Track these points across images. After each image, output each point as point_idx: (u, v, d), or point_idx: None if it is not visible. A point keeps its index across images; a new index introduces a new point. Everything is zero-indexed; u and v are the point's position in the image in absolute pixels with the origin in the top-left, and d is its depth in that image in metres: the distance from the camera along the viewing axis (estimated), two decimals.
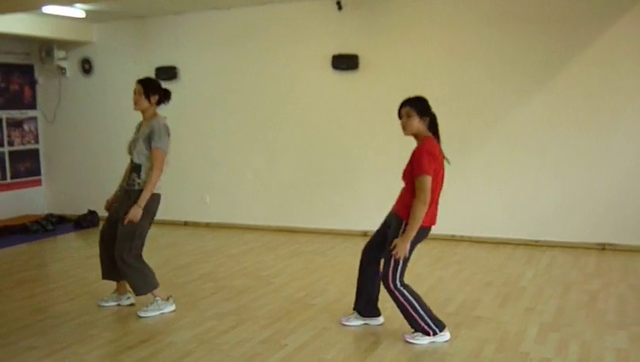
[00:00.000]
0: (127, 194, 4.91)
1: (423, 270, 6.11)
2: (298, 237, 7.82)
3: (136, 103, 4.88)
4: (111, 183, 9.18)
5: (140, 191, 4.77)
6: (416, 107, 4.33)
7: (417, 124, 4.34)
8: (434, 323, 4.21)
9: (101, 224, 8.85)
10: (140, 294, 4.93)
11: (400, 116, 4.36)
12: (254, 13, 8.09)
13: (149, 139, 4.78)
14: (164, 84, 5.24)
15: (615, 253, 6.66)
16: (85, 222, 8.82)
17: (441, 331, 4.22)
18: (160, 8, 8.23)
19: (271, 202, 8.35)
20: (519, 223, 6.87)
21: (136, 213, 4.71)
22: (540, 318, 4.68)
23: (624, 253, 6.63)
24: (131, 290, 5.00)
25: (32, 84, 9.54)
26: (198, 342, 4.33)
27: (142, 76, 5.13)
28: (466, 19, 7.15)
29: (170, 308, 4.99)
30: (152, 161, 4.77)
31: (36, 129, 9.65)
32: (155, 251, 7.08)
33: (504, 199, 7.02)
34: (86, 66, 9.21)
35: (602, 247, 6.81)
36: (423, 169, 4.17)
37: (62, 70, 9.32)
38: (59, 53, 9.08)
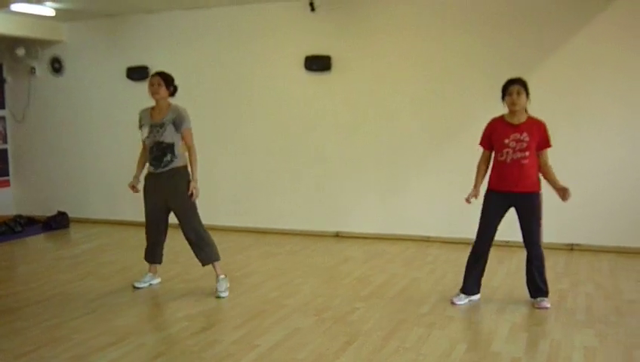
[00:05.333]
0: (167, 174, 5.34)
1: (397, 270, 6.15)
2: (269, 239, 7.80)
3: (156, 93, 5.35)
4: (81, 184, 9.16)
5: (179, 168, 5.34)
6: (524, 86, 4.86)
7: (525, 101, 4.85)
8: None
9: (71, 225, 8.80)
10: (207, 264, 5.46)
11: (510, 93, 4.82)
12: (227, 13, 8.05)
13: (176, 123, 5.30)
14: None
15: (583, 253, 6.77)
16: (55, 223, 8.70)
17: None
18: (131, 7, 8.15)
19: (241, 203, 8.32)
20: None
21: (197, 188, 5.31)
22: (511, 318, 4.73)
23: (591, 252, 6.74)
24: (201, 260, 5.46)
25: (1, 83, 9.39)
26: (169, 344, 4.30)
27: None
28: (436, 23, 7.20)
29: (228, 284, 5.49)
30: (185, 141, 5.34)
31: (4, 129, 9.49)
32: (125, 252, 7.04)
33: (477, 200, 7.07)
34: (56, 65, 9.09)
35: (570, 248, 6.92)
36: (550, 142, 4.87)
37: (31, 69, 9.19)
38: (27, 52, 8.95)
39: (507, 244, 6.65)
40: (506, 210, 4.99)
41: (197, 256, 5.48)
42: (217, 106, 8.30)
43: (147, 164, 5.49)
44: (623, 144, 6.69)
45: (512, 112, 4.88)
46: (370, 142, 7.64)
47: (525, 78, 6.84)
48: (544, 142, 4.83)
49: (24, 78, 9.28)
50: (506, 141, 4.83)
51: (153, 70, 8.38)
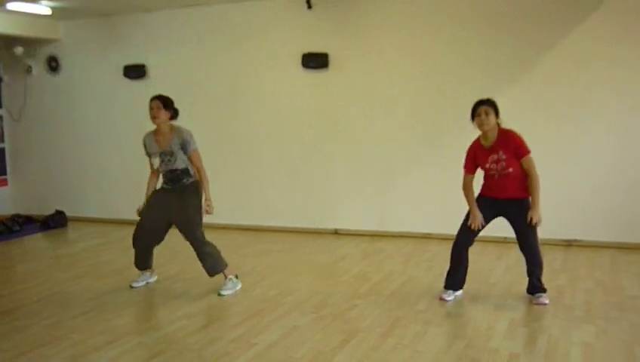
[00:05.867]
0: (180, 188, 5.39)
1: (395, 268, 6.15)
2: (267, 236, 7.80)
3: (156, 117, 5.32)
4: (78, 183, 9.15)
5: (194, 182, 5.41)
6: (493, 106, 4.90)
7: (494, 120, 4.88)
8: None
9: (69, 224, 8.79)
10: (215, 274, 5.43)
11: (479, 114, 4.88)
12: (223, 11, 8.04)
13: (184, 147, 5.32)
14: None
15: (581, 248, 6.77)
16: (52, 222, 8.68)
17: None
18: (127, 5, 8.13)
19: (238, 201, 8.31)
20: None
21: (211, 206, 5.35)
22: (509, 314, 4.73)
23: (590, 248, 6.74)
24: (207, 272, 5.43)
25: None
26: (168, 342, 4.30)
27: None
28: (433, 20, 7.19)
29: (239, 285, 5.52)
30: (193, 163, 5.37)
31: (1, 128, 9.48)
32: (123, 251, 7.01)
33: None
34: (53, 64, 9.08)
35: (568, 243, 6.92)
36: (528, 149, 4.87)
37: (28, 68, 9.17)
38: (24, 51, 8.93)
39: (505, 241, 6.65)
40: (492, 217, 5.04)
41: (203, 267, 5.46)
42: (214, 104, 8.29)
43: (161, 182, 5.52)
44: (621, 139, 6.68)
45: (483, 133, 4.94)
46: (368, 139, 7.63)
47: (522, 74, 6.93)
48: (519, 151, 4.84)
49: (21, 76, 9.26)
50: (487, 165, 4.94)
51: (150, 69, 8.46)
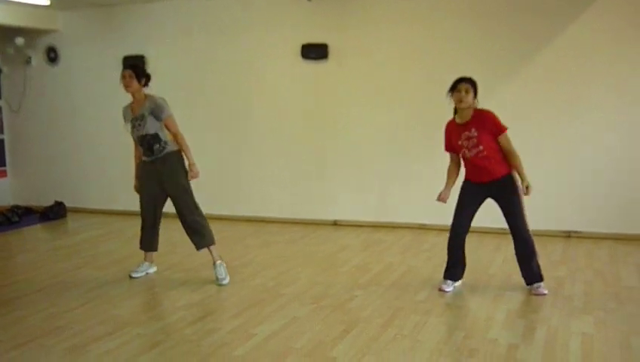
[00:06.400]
0: (161, 159, 5.35)
1: (394, 258, 6.16)
2: (267, 228, 7.80)
3: (128, 86, 5.30)
4: (78, 174, 9.14)
5: (173, 152, 5.35)
6: (474, 86, 4.89)
7: (472, 99, 4.87)
8: None
9: (69, 215, 8.80)
10: (201, 248, 5.47)
11: (459, 90, 4.84)
12: (223, 2, 8.02)
13: (155, 113, 5.27)
14: None
15: (580, 240, 6.77)
16: (52, 213, 8.69)
17: None
18: None
19: (238, 192, 8.31)
20: (487, 211, 6.94)
21: (196, 169, 5.34)
22: (508, 305, 4.74)
23: (589, 240, 6.74)
24: (195, 243, 5.46)
25: None
26: (166, 333, 4.30)
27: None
28: (433, 12, 7.18)
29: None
30: (169, 129, 5.32)
31: (1, 119, 9.46)
32: (123, 242, 7.03)
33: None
34: (52, 55, 9.06)
35: (568, 235, 6.92)
36: (505, 126, 4.86)
37: (27, 59, 9.15)
38: (23, 41, 8.91)
39: (504, 232, 6.64)
40: (481, 200, 5.05)
41: (191, 239, 5.48)
42: (214, 95, 8.27)
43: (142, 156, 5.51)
44: (620, 133, 6.68)
45: (459, 110, 4.93)
46: (368, 130, 7.63)
47: (522, 67, 6.93)
48: (496, 129, 4.83)
49: (20, 67, 9.24)
50: (460, 142, 4.94)
51: (150, 59, 8.43)
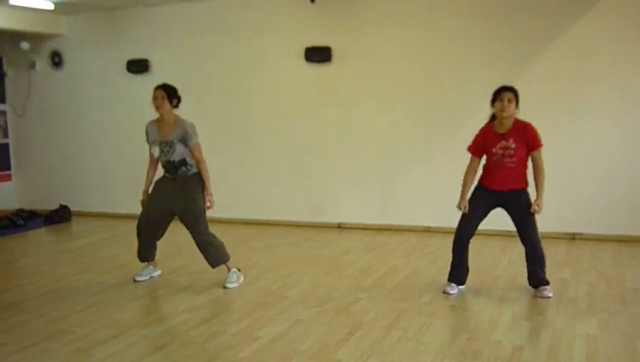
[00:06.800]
0: (182, 179, 5.38)
1: (398, 261, 6.16)
2: (271, 230, 7.81)
3: (160, 107, 5.31)
4: (82, 177, 9.16)
5: (196, 173, 5.39)
6: (516, 95, 4.84)
7: (514, 109, 4.83)
8: None
9: (73, 219, 8.81)
10: (218, 266, 5.45)
11: (502, 99, 4.80)
12: (227, 5, 8.04)
13: (184, 141, 5.28)
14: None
15: (584, 242, 6.76)
16: (57, 217, 8.71)
17: None
18: (131, 0, 8.13)
19: (242, 195, 8.32)
20: (492, 214, 6.95)
21: (212, 200, 5.36)
22: (513, 307, 4.73)
23: (593, 242, 6.73)
24: (210, 263, 5.45)
25: (1, 77, 9.38)
26: (171, 335, 4.31)
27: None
28: (435, 14, 7.19)
29: (242, 278, 5.54)
30: (193, 155, 5.33)
31: (5, 123, 9.49)
32: (127, 245, 7.03)
33: None
34: (56, 59, 9.08)
35: (572, 237, 6.91)
36: (541, 142, 4.87)
37: (31, 63, 9.18)
38: (28, 46, 8.94)
39: (510, 234, 6.64)
40: (491, 208, 5.05)
41: (206, 258, 5.47)
42: (218, 98, 8.29)
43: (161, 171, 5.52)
44: (623, 134, 6.67)
45: (500, 119, 4.89)
46: (372, 132, 7.63)
47: (523, 68, 6.92)
48: (533, 143, 4.84)
49: (24, 72, 9.27)
50: (494, 150, 4.92)
51: (153, 63, 8.45)
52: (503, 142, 4.86)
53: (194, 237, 5.39)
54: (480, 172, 5.11)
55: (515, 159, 4.85)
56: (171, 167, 5.38)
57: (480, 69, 7.00)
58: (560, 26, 6.73)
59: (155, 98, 5.31)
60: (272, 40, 7.91)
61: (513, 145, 4.83)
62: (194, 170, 5.38)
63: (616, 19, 6.54)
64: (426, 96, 7.31)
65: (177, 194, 5.36)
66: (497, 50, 6.95)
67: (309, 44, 7.68)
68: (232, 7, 8.03)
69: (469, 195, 5.05)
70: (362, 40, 7.51)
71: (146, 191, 5.54)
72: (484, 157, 5.04)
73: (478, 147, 5.03)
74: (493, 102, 4.88)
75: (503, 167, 4.90)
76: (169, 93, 5.32)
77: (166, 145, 5.31)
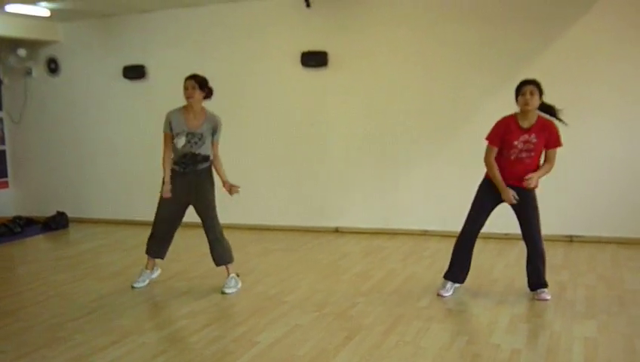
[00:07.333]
0: (193, 173, 5.35)
1: (396, 265, 6.16)
2: (268, 235, 7.81)
3: (190, 97, 5.24)
4: (79, 184, 9.15)
5: (208, 167, 5.43)
6: (538, 87, 4.88)
7: (537, 101, 4.86)
8: None
9: (71, 225, 8.80)
10: (222, 264, 5.47)
11: (524, 93, 4.83)
12: (222, 11, 8.04)
13: (213, 133, 5.34)
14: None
15: (582, 244, 6.77)
16: (54, 223, 8.69)
17: None
18: (126, 7, 8.14)
19: (239, 200, 8.24)
20: (490, 217, 6.97)
21: (232, 184, 5.46)
22: (511, 310, 4.73)
23: (592, 244, 6.74)
24: (215, 260, 5.47)
25: None
26: (170, 342, 4.31)
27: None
28: (432, 17, 7.20)
29: (240, 284, 5.50)
30: (215, 150, 5.41)
31: (2, 130, 9.48)
32: (125, 252, 7.03)
33: (474, 194, 7.07)
34: (52, 66, 9.08)
35: (570, 239, 6.92)
36: (561, 142, 4.94)
37: (28, 70, 9.17)
38: (25, 53, 8.94)
39: (507, 237, 6.66)
40: (497, 202, 5.04)
41: (212, 254, 5.49)
42: (214, 103, 8.20)
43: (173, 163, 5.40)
44: (622, 135, 6.69)
45: (524, 113, 4.88)
46: (368, 137, 7.64)
47: (523, 69, 6.89)
48: (554, 142, 4.89)
49: (20, 78, 9.26)
50: (515, 143, 4.87)
51: (150, 69, 8.46)
52: (526, 136, 4.85)
53: (207, 231, 5.43)
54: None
55: (533, 154, 4.86)
56: (191, 161, 5.30)
57: (478, 72, 7.02)
58: (559, 26, 6.74)
59: (185, 88, 5.25)
60: (269, 45, 7.92)
61: (535, 140, 4.84)
62: (207, 164, 5.40)
63: (614, 20, 6.55)
64: (423, 100, 7.32)
65: (192, 189, 5.37)
66: (496, 53, 6.96)
67: (305, 49, 7.70)
68: (227, 13, 8.03)
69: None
70: (358, 44, 7.52)
71: (168, 182, 5.34)
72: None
73: (497, 137, 4.93)
74: (516, 97, 4.88)
75: (519, 162, 4.88)
76: (200, 83, 5.27)
77: (195, 137, 5.26)
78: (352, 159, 7.72)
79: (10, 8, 7.50)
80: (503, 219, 5.07)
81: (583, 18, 6.66)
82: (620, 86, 6.63)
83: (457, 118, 7.15)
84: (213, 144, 5.35)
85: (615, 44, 6.60)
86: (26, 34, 8.54)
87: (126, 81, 8.58)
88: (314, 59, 7.67)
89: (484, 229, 5.19)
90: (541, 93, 4.87)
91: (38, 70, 9.18)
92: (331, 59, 7.64)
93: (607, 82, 6.66)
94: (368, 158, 7.66)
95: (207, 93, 5.35)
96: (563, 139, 6.74)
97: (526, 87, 4.85)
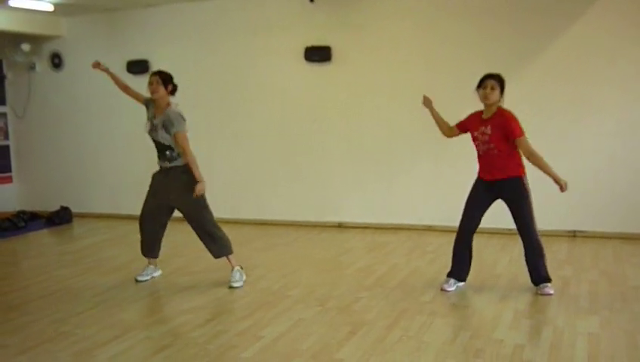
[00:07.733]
0: (174, 172, 5.36)
1: (399, 260, 6.16)
2: (271, 230, 7.81)
3: (154, 92, 5.34)
4: (83, 179, 9.17)
5: (178, 167, 5.32)
6: (501, 83, 4.93)
7: (497, 96, 4.91)
8: None
9: (75, 220, 8.82)
10: (220, 256, 5.49)
11: (485, 87, 4.90)
12: (226, 5, 8.04)
13: (165, 126, 5.26)
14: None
15: (586, 239, 6.77)
16: (58, 218, 8.72)
17: None
18: (130, 1, 8.15)
19: (243, 195, 8.33)
20: (492, 212, 6.95)
21: (201, 186, 5.26)
22: (514, 305, 4.73)
23: (595, 239, 6.74)
24: (212, 253, 5.49)
25: (1, 79, 9.39)
26: (173, 336, 4.31)
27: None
28: (435, 12, 7.20)
29: (244, 277, 5.53)
30: (177, 143, 5.27)
31: (6, 125, 9.50)
32: (128, 246, 7.04)
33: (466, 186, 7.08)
34: (56, 61, 9.09)
35: (573, 234, 6.92)
36: (521, 131, 4.86)
37: (31, 65, 9.18)
38: (29, 47, 8.95)
39: (510, 232, 6.64)
40: (491, 201, 5.07)
41: (208, 248, 5.50)
42: (218, 98, 8.29)
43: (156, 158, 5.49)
44: (623, 132, 6.67)
45: (485, 106, 4.98)
46: (371, 131, 7.63)
47: (523, 66, 6.92)
48: (510, 132, 4.82)
49: (24, 73, 9.28)
50: (475, 134, 5.00)
51: (153, 64, 8.45)
52: (482, 128, 4.93)
53: (194, 230, 5.44)
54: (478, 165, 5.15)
55: (492, 145, 4.88)
56: (159, 146, 5.38)
57: (480, 68, 6.87)
58: (560, 24, 6.73)
59: (150, 84, 5.36)
60: (272, 40, 7.91)
61: (489, 132, 4.87)
62: (181, 160, 5.32)
63: (615, 18, 6.54)
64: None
65: (172, 190, 5.37)
66: (498, 49, 6.95)
67: (309, 44, 7.69)
68: (231, 7, 8.03)
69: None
70: (362, 39, 7.51)
71: (107, 70, 5.88)
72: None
73: (461, 122, 5.19)
74: (477, 88, 4.96)
75: (488, 155, 4.95)
76: (164, 79, 5.37)
77: (154, 125, 5.37)
78: (355, 154, 7.72)
79: (14, 3, 7.51)
80: (506, 214, 5.06)
81: (584, 16, 6.64)
82: (620, 84, 6.62)
83: (461, 113, 7.09)
84: (174, 137, 5.23)
85: (615, 42, 6.58)
86: (30, 29, 8.54)
87: (130, 75, 8.56)
88: (317, 54, 7.66)
89: (488, 225, 5.19)
90: (502, 89, 4.93)
91: (42, 65, 9.19)
92: (335, 54, 7.64)
93: (608, 80, 6.65)
94: (372, 153, 7.66)
95: (172, 89, 5.43)
96: (566, 135, 6.81)
97: (487, 81, 4.91)
